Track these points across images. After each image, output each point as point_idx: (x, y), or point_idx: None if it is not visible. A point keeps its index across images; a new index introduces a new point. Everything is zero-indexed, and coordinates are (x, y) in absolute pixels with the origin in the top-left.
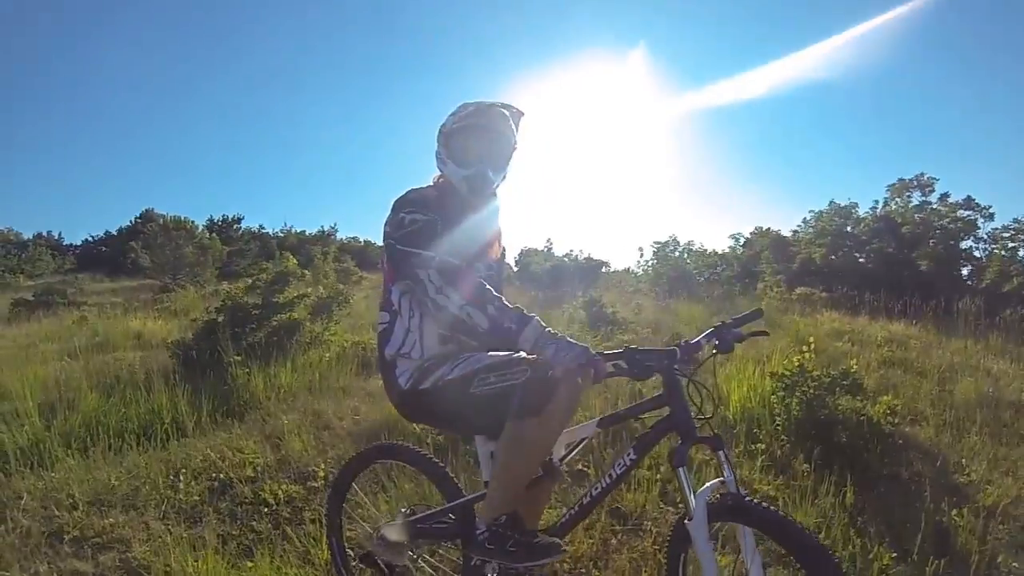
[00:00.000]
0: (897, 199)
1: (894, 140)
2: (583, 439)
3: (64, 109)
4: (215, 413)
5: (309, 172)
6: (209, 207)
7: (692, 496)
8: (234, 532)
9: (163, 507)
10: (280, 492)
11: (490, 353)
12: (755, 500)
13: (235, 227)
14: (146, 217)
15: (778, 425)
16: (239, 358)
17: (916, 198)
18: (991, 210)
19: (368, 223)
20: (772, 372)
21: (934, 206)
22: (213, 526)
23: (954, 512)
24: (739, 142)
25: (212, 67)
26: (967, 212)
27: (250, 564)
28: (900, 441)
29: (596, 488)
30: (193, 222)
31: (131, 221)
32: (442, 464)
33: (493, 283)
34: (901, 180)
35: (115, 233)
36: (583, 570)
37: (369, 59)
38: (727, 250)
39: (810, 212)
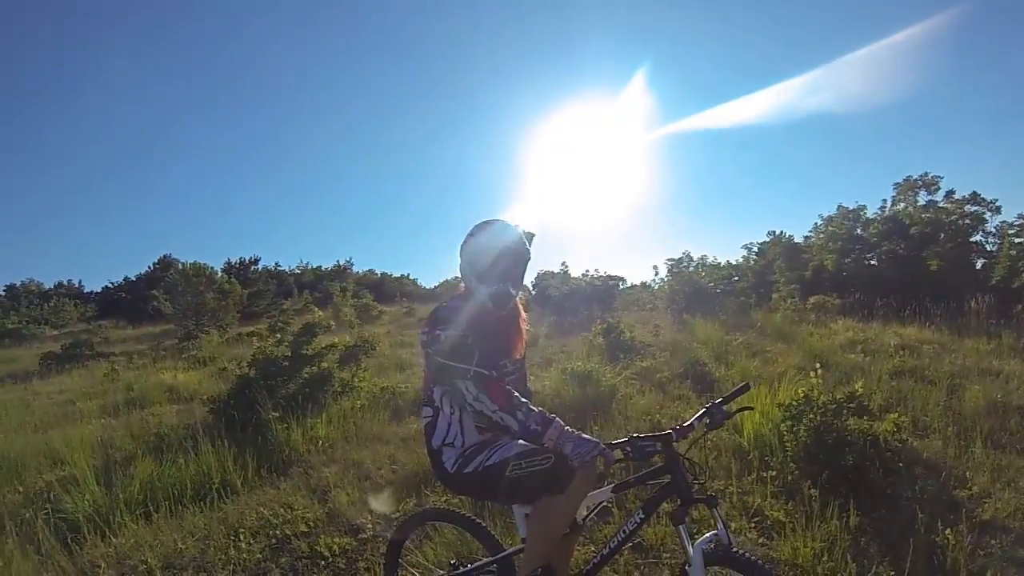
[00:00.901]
0: (903, 200)
1: (899, 139)
2: (601, 502)
3: (78, 159)
4: (260, 469)
5: (320, 207)
6: (224, 247)
7: (691, 547)
8: None
9: (230, 567)
10: (335, 545)
11: (520, 443)
12: (741, 551)
13: (252, 268)
14: (164, 264)
15: (788, 452)
16: (276, 414)
17: (923, 197)
18: (997, 204)
19: (383, 255)
20: (780, 403)
21: (940, 204)
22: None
23: (946, 531)
24: (744, 158)
25: (216, 108)
26: (974, 207)
27: None
28: (902, 459)
29: (613, 542)
30: (212, 268)
31: (149, 267)
32: (483, 523)
33: (519, 377)
34: (906, 179)
35: (133, 279)
36: None
37: (375, 87)
38: (740, 260)
39: (820, 217)
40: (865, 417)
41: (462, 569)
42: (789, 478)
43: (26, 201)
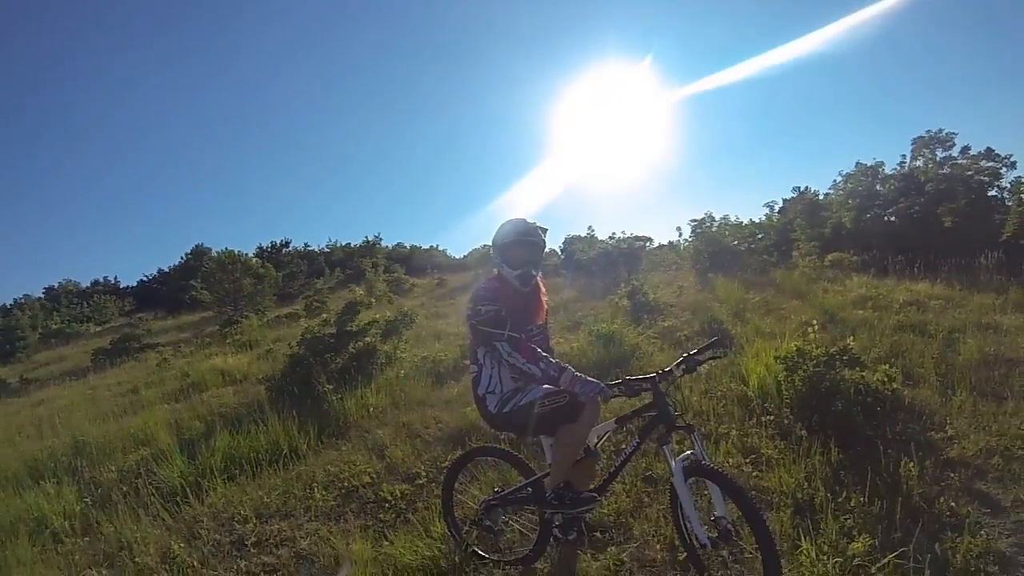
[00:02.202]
0: (920, 157)
1: (917, 95)
2: (607, 431)
3: (107, 161)
4: (321, 435)
5: (345, 185)
6: (253, 233)
7: (673, 462)
8: (368, 523)
9: (309, 513)
10: (395, 491)
11: (544, 387)
12: (711, 464)
13: (283, 251)
14: (197, 253)
15: (784, 399)
16: (331, 387)
17: (939, 154)
18: (1012, 159)
19: (410, 228)
20: (776, 356)
21: (957, 160)
22: (352, 521)
23: (910, 464)
24: (766, 113)
25: (240, 93)
26: (988, 163)
27: (387, 543)
28: (888, 406)
29: (617, 462)
30: (246, 254)
31: (182, 258)
32: (520, 455)
33: (542, 338)
34: (922, 136)
35: (167, 270)
36: (624, 520)
37: (395, 68)
38: (763, 219)
39: (839, 174)
40: (857, 368)
41: (503, 492)
42: (785, 422)
43: (59, 205)
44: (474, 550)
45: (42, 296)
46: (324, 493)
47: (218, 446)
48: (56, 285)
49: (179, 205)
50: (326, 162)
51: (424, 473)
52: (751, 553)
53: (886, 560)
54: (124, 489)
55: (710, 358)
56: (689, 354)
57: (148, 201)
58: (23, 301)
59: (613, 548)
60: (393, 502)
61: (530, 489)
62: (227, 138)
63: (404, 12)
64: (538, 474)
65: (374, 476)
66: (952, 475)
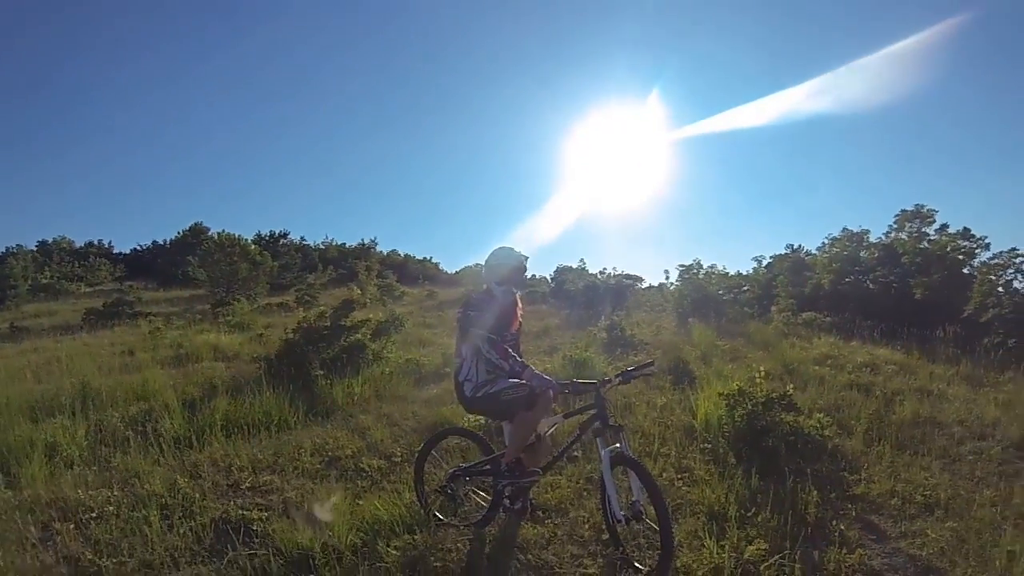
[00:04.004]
0: (903, 230)
1: (922, 161)
2: (556, 423)
3: (107, 121)
4: (308, 414)
5: (345, 186)
6: (250, 219)
7: (602, 452)
8: (348, 486)
9: (297, 471)
10: (374, 464)
11: (510, 380)
12: (633, 456)
13: (281, 242)
14: (195, 231)
15: (724, 431)
16: (321, 372)
17: (920, 228)
18: (987, 240)
19: (407, 236)
20: (719, 393)
21: (932, 237)
22: (334, 482)
23: (813, 491)
24: (771, 164)
25: (245, 83)
26: (965, 243)
27: (361, 502)
28: (815, 447)
29: (560, 448)
30: (245, 239)
31: (179, 233)
32: (483, 436)
33: (515, 342)
34: (904, 211)
35: (163, 243)
36: (564, 507)
37: (399, 79)
38: (750, 272)
39: (827, 237)
40: (793, 413)
41: (467, 465)
42: (720, 450)
43: (59, 160)
44: (435, 514)
45: (34, 249)
46: (310, 458)
47: (218, 406)
48: (50, 240)
49: (181, 180)
50: (333, 159)
51: (400, 454)
52: (655, 532)
53: (772, 561)
54: (129, 434)
55: (642, 374)
56: (627, 370)
57: (151, 169)
58: (15, 250)
59: (551, 523)
60: (370, 473)
61: (488, 465)
62: (238, 121)
63: (419, 28)
64: (496, 452)
65: (355, 451)
66: (850, 507)
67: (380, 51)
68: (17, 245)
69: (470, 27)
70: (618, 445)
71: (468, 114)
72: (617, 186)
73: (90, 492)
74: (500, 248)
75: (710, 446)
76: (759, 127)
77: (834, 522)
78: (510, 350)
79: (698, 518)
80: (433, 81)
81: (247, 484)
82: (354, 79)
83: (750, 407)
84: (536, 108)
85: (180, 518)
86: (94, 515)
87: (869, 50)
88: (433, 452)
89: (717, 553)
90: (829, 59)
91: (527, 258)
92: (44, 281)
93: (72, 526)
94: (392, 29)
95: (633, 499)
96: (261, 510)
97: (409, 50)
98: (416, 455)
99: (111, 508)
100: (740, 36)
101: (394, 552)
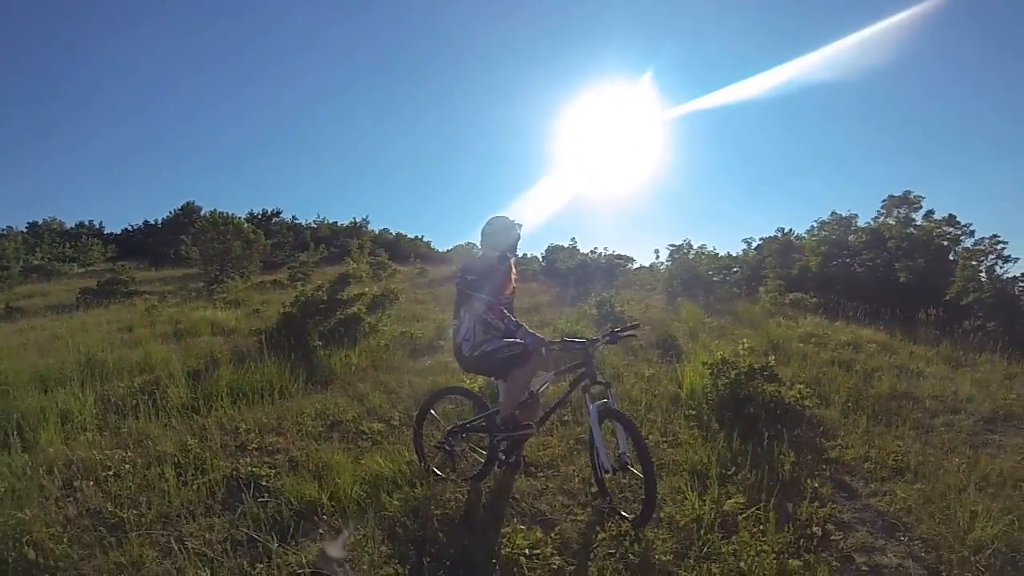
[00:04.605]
0: (891, 215)
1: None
2: (547, 381)
3: (98, 103)
4: (307, 382)
5: (337, 166)
6: (241, 198)
7: (590, 406)
8: (349, 447)
9: (301, 433)
10: (374, 427)
11: (505, 339)
12: (619, 410)
13: (274, 220)
14: (187, 210)
15: (708, 399)
16: (320, 343)
17: (906, 213)
18: (972, 227)
19: (398, 215)
20: (704, 362)
21: (918, 222)
22: (336, 443)
23: (790, 452)
24: (767, 145)
25: (237, 65)
26: (950, 229)
27: (363, 460)
28: (794, 415)
29: (552, 404)
30: (238, 217)
31: (171, 212)
32: (480, 394)
33: (509, 305)
34: (892, 197)
35: (154, 223)
36: (555, 463)
37: (390, 57)
38: (739, 253)
39: (816, 221)
40: (775, 384)
41: (464, 422)
42: (704, 417)
43: (47, 142)
44: (434, 470)
45: (25, 231)
46: (313, 422)
47: (222, 375)
48: (40, 222)
49: (172, 159)
50: (324, 138)
51: (398, 418)
52: (640, 484)
53: (749, 512)
54: (136, 401)
55: (627, 335)
56: (613, 330)
57: (141, 150)
58: (6, 232)
59: (543, 477)
60: (371, 435)
61: (485, 422)
62: (230, 98)
63: (427, 19)
64: (491, 409)
65: (355, 415)
66: (825, 468)
67: (370, 30)
68: (7, 227)
69: (462, 6)
70: (606, 400)
71: (460, 94)
72: (609, 166)
73: (105, 452)
74: (496, 217)
75: (694, 413)
76: (753, 101)
77: (808, 480)
78: (505, 311)
79: (682, 476)
80: (425, 61)
81: (254, 445)
82: (346, 59)
83: (733, 376)
84: (527, 88)
85: (193, 475)
86: (111, 472)
87: (865, 23)
88: (432, 411)
89: (699, 505)
90: (820, 35)
91: (521, 226)
92: (36, 262)
93: (91, 483)
94: (382, 7)
95: (620, 451)
96: (269, 467)
97: (400, 29)
98: (417, 412)
99: (127, 466)
100: (734, 13)
101: (396, 503)
